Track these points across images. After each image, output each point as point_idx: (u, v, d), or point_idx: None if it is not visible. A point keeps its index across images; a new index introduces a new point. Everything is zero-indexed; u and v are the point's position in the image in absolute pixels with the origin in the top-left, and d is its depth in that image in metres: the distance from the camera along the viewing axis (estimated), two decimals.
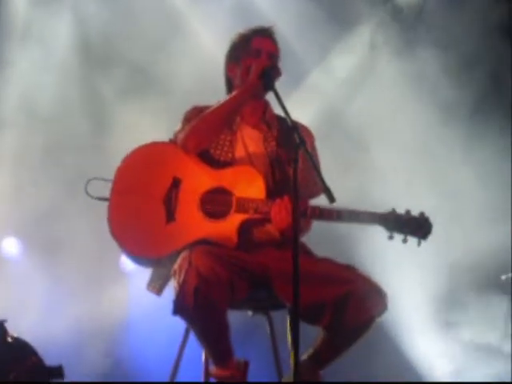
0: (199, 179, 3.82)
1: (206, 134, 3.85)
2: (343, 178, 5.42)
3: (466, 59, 6.25)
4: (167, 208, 3.79)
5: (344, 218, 3.66)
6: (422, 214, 3.67)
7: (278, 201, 3.69)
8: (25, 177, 6.13)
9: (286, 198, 3.67)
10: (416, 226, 3.64)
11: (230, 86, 4.06)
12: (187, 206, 3.79)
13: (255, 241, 3.81)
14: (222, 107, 3.84)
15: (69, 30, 6.39)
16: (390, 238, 3.65)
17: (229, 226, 3.74)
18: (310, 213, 3.69)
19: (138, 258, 3.82)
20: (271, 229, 3.78)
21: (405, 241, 3.64)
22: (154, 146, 3.92)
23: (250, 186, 3.78)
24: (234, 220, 3.74)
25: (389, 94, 6.27)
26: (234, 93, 3.88)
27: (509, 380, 5.57)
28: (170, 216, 3.78)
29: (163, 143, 3.94)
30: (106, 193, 3.85)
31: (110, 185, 3.85)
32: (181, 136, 3.87)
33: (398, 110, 6.23)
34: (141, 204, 3.80)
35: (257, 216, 3.75)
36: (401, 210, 3.68)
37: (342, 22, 6.47)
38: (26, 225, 6.10)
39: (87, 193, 3.95)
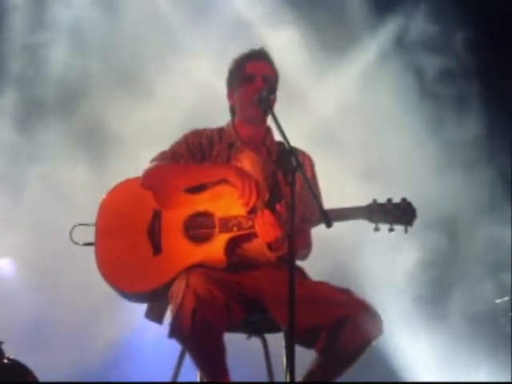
0: (179, 206, 3.84)
1: (163, 185, 3.89)
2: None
3: None
4: (152, 241, 3.82)
5: (334, 218, 3.45)
6: (403, 200, 3.60)
7: (259, 214, 3.69)
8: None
9: (265, 211, 3.67)
10: (400, 213, 3.58)
11: (232, 112, 4.09)
12: (172, 235, 3.80)
13: (249, 261, 3.81)
14: (192, 174, 3.89)
15: None
16: (376, 229, 3.58)
17: (216, 248, 3.74)
18: (300, 219, 3.63)
19: (132, 295, 3.83)
20: (264, 249, 3.77)
21: (391, 230, 3.58)
22: (128, 183, 3.96)
23: (230, 204, 3.77)
24: (220, 240, 3.75)
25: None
26: (213, 166, 3.91)
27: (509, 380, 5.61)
28: (157, 248, 3.80)
29: (138, 178, 3.96)
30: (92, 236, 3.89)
31: (93, 229, 3.89)
32: (149, 166, 3.93)
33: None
34: (126, 241, 3.83)
35: (241, 232, 3.74)
36: (382, 200, 3.61)
37: (338, 41, 6.51)
38: (22, 246, 6.10)
39: (72, 240, 3.98)
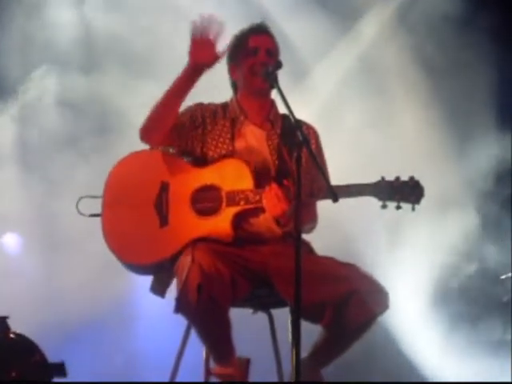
0: (186, 180, 3.85)
1: (154, 123, 3.85)
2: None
3: None
4: (159, 213, 3.82)
5: (341, 194, 3.47)
6: (411, 178, 3.59)
7: (267, 188, 3.69)
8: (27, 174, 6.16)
9: (273, 185, 3.67)
10: (408, 191, 3.56)
11: (235, 88, 4.07)
12: (178, 207, 3.81)
13: (255, 236, 3.81)
14: (166, 94, 3.82)
15: None
16: (384, 206, 3.57)
17: (222, 221, 3.74)
18: (307, 193, 3.63)
19: (138, 266, 3.85)
20: (271, 224, 3.78)
21: (398, 207, 3.56)
22: (137, 155, 3.97)
23: (238, 178, 3.78)
24: (227, 214, 3.75)
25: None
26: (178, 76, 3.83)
27: (509, 380, 5.60)
28: (164, 220, 3.81)
29: (145, 151, 3.97)
30: (98, 208, 3.90)
31: (100, 200, 3.90)
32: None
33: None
34: (132, 213, 3.85)
35: (248, 206, 3.74)
36: (390, 177, 3.60)
37: (344, 17, 6.46)
38: (28, 221, 6.12)
39: (79, 211, 4.01)
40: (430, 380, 5.96)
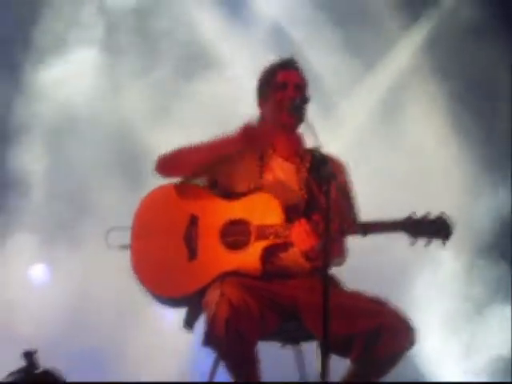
0: (216, 213, 3.86)
1: (179, 163, 3.92)
2: None
3: None
4: (188, 246, 3.84)
5: (370, 230, 3.57)
6: (441, 215, 3.57)
7: (296, 223, 3.70)
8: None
9: (302, 220, 3.68)
10: (437, 228, 3.55)
11: (263, 121, 4.08)
12: (208, 241, 3.82)
13: (284, 270, 3.81)
14: (206, 148, 3.89)
15: None
16: (412, 243, 3.56)
17: (251, 255, 3.75)
18: (337, 230, 3.62)
19: (166, 299, 3.87)
20: (299, 258, 3.78)
21: (428, 244, 3.55)
22: (166, 187, 3.98)
23: (267, 212, 3.79)
24: (256, 248, 3.75)
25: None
26: (224, 138, 3.88)
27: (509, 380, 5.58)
28: (192, 253, 3.82)
29: (175, 183, 3.99)
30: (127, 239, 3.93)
31: (129, 232, 3.93)
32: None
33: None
34: (162, 246, 3.86)
35: (278, 241, 3.75)
36: (419, 213, 3.58)
37: (373, 51, 6.50)
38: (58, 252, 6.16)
39: (107, 244, 4.01)
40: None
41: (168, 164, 3.95)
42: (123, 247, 3.94)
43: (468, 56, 6.30)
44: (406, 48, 6.60)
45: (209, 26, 6.51)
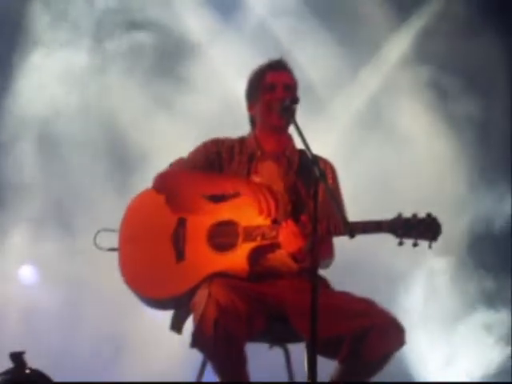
0: (204, 215, 3.85)
1: (175, 191, 3.93)
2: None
3: None
4: (176, 247, 3.84)
5: (358, 231, 3.51)
6: (429, 215, 3.53)
7: (283, 224, 3.70)
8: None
9: (289, 221, 3.68)
10: (425, 228, 3.51)
11: (253, 123, 4.10)
12: (195, 242, 3.82)
13: (271, 271, 3.81)
14: (204, 184, 3.91)
15: None
16: (400, 244, 3.51)
17: (239, 256, 3.75)
18: (324, 231, 3.62)
19: (154, 301, 3.86)
20: (287, 259, 3.77)
21: (415, 245, 3.51)
22: (153, 191, 3.99)
23: (254, 214, 3.77)
24: (243, 249, 3.75)
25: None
26: (226, 178, 3.91)
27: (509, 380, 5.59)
28: (180, 255, 3.82)
29: None
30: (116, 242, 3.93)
31: (117, 235, 3.93)
32: (162, 171, 3.99)
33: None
34: (149, 248, 3.87)
35: (265, 242, 3.75)
36: (407, 213, 3.56)
37: (359, 51, 6.50)
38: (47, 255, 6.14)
39: (96, 245, 4.03)
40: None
41: (162, 186, 3.96)
42: (112, 250, 3.95)
43: (460, 52, 6.30)
44: (397, 44, 6.60)
45: (197, 23, 6.50)
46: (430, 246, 3.52)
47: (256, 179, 3.93)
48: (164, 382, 4.02)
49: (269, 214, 3.72)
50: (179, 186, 3.93)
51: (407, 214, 3.56)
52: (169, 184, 3.96)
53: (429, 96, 6.41)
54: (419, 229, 3.52)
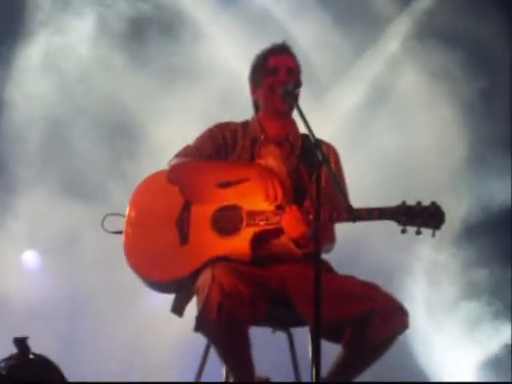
0: (209, 199, 3.86)
1: (188, 181, 3.94)
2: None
3: None
4: (180, 231, 3.84)
5: (360, 217, 3.52)
6: (433, 203, 3.52)
7: (287, 209, 3.70)
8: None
9: (292, 207, 3.68)
10: (428, 216, 3.50)
11: (256, 107, 4.09)
12: (199, 226, 3.83)
13: (275, 256, 3.81)
14: (217, 172, 3.91)
15: None
16: (403, 231, 3.51)
17: (242, 241, 3.75)
18: (327, 216, 3.61)
19: (156, 283, 3.87)
20: (290, 244, 3.77)
21: (418, 232, 3.50)
22: (159, 175, 3.99)
23: (259, 199, 3.78)
24: (246, 234, 3.76)
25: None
26: (237, 166, 3.93)
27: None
28: (184, 238, 3.83)
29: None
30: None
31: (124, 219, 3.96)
32: (175, 161, 3.98)
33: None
34: (154, 231, 3.88)
35: (268, 227, 3.75)
36: (410, 199, 3.55)
37: (363, 32, 6.48)
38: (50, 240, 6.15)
39: (104, 228, 4.04)
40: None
41: (177, 178, 3.95)
42: (117, 233, 3.96)
43: (460, 38, 6.27)
44: (397, 31, 6.58)
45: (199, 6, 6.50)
46: (433, 235, 3.50)
47: (260, 163, 3.93)
48: (164, 382, 4.02)
49: (275, 200, 3.72)
50: (194, 177, 3.93)
51: (411, 201, 3.55)
52: (184, 176, 3.95)
53: (432, 79, 6.38)
54: (423, 217, 3.51)
